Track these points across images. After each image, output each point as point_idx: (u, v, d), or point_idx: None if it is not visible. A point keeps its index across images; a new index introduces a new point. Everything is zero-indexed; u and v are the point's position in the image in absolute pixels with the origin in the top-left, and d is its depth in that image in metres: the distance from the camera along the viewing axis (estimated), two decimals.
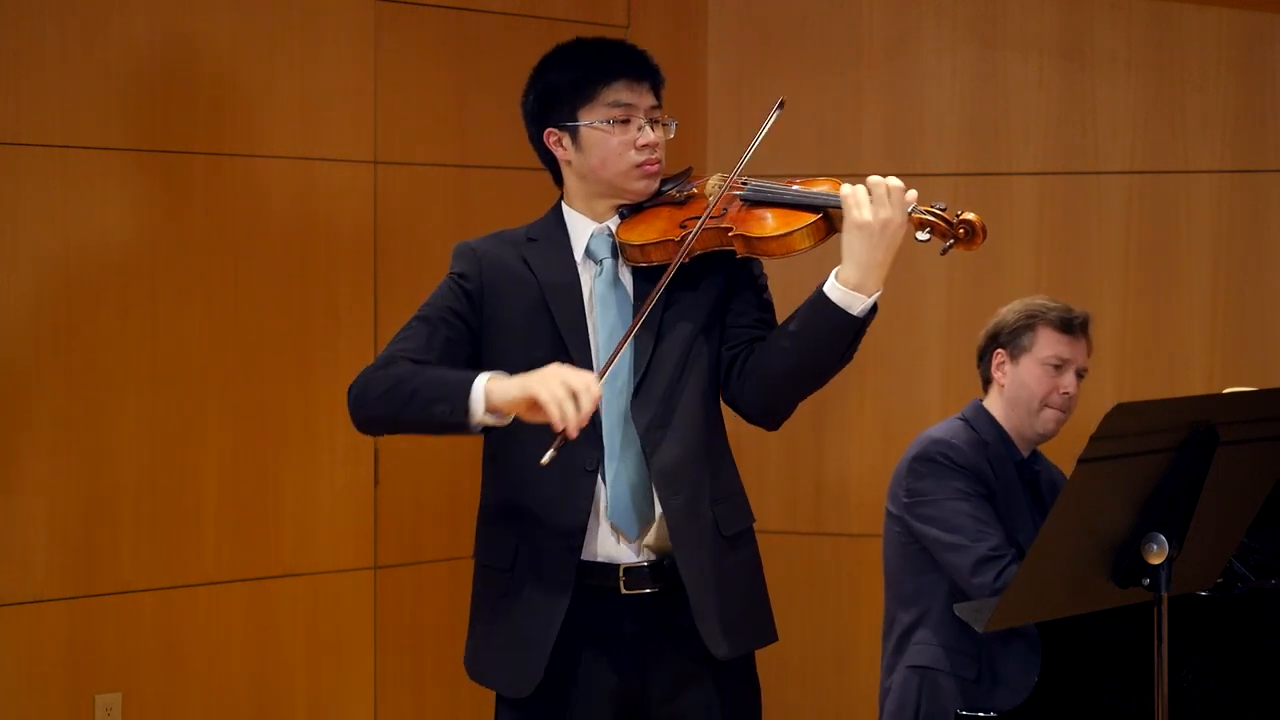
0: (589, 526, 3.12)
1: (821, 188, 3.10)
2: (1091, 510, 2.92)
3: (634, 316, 3.11)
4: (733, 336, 3.19)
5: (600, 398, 2.93)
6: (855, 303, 3.01)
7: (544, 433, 2.95)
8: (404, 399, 3.06)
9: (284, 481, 4.86)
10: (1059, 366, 4.05)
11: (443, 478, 5.08)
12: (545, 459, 2.92)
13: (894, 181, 2.99)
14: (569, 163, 3.23)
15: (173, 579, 4.70)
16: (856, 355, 3.10)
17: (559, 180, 3.29)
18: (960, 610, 3.54)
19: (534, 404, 2.93)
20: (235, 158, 4.79)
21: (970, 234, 3.02)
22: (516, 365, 3.05)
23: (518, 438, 3.12)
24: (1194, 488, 2.93)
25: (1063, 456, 3.81)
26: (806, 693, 5.51)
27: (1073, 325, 4.08)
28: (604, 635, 3.14)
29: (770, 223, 3.08)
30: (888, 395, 5.41)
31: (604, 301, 3.18)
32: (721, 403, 3.23)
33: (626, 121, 3.17)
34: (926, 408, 5.28)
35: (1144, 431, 2.88)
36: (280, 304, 4.86)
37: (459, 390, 3.00)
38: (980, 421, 4.05)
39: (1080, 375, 4.09)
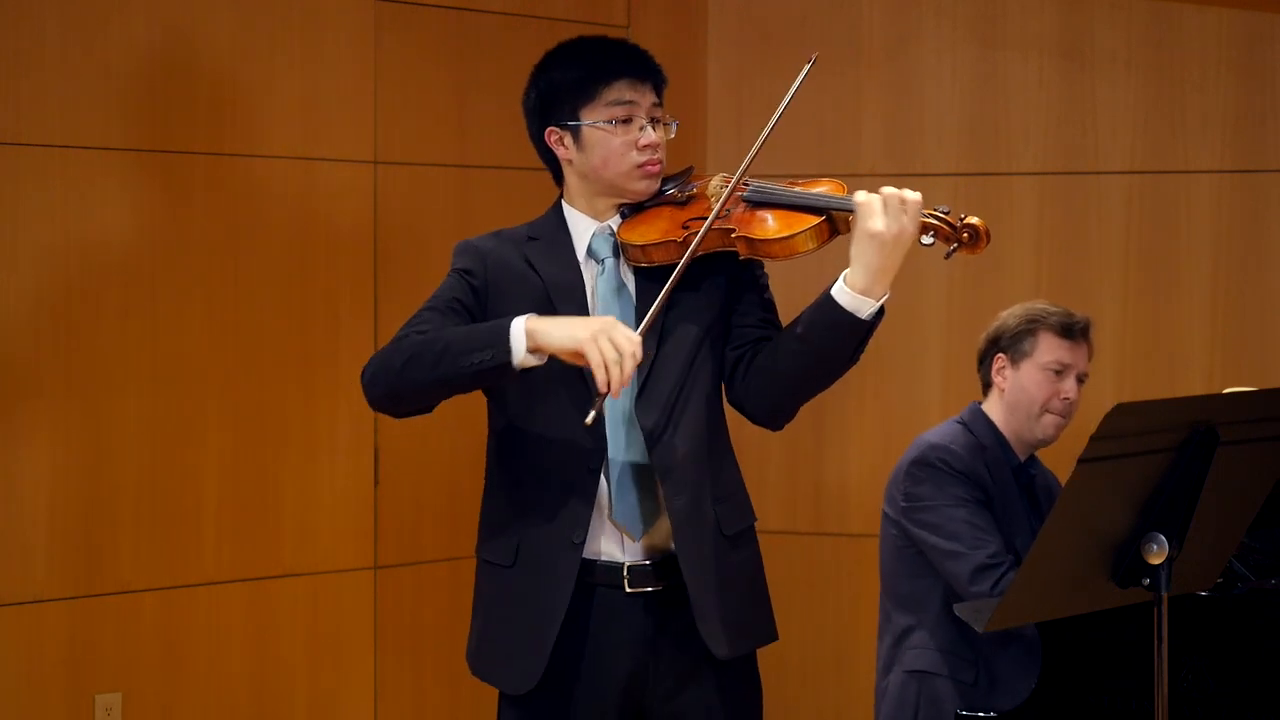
0: (591, 525, 3.12)
1: (822, 189, 3.10)
2: (1091, 510, 2.92)
3: (635, 316, 3.13)
4: (737, 338, 3.19)
5: (640, 360, 2.96)
6: (863, 306, 3.01)
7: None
8: (434, 358, 3.04)
9: (284, 481, 4.86)
10: (1060, 372, 4.04)
11: (443, 478, 5.08)
12: (589, 419, 2.96)
13: (910, 195, 2.99)
14: (570, 162, 3.22)
15: (173, 579, 4.70)
16: None
17: (559, 179, 3.29)
18: (960, 610, 3.54)
19: (579, 356, 2.95)
20: (235, 158, 4.79)
21: (974, 238, 3.02)
22: None
23: (521, 436, 3.14)
24: (1194, 488, 2.93)
25: (1063, 457, 3.81)
26: (806, 692, 5.52)
27: (1074, 330, 4.07)
28: (607, 633, 3.14)
29: (773, 225, 3.07)
30: (888, 395, 5.41)
31: (606, 301, 3.18)
32: (724, 403, 3.23)
33: (628, 121, 3.17)
34: (926, 407, 5.29)
35: (1144, 431, 2.88)
36: (280, 304, 4.86)
37: (496, 335, 3.01)
38: (978, 425, 4.05)
39: (1081, 380, 4.07)
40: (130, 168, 4.64)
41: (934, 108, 5.38)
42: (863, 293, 3.01)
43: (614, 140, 3.17)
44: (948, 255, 3.06)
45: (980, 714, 3.74)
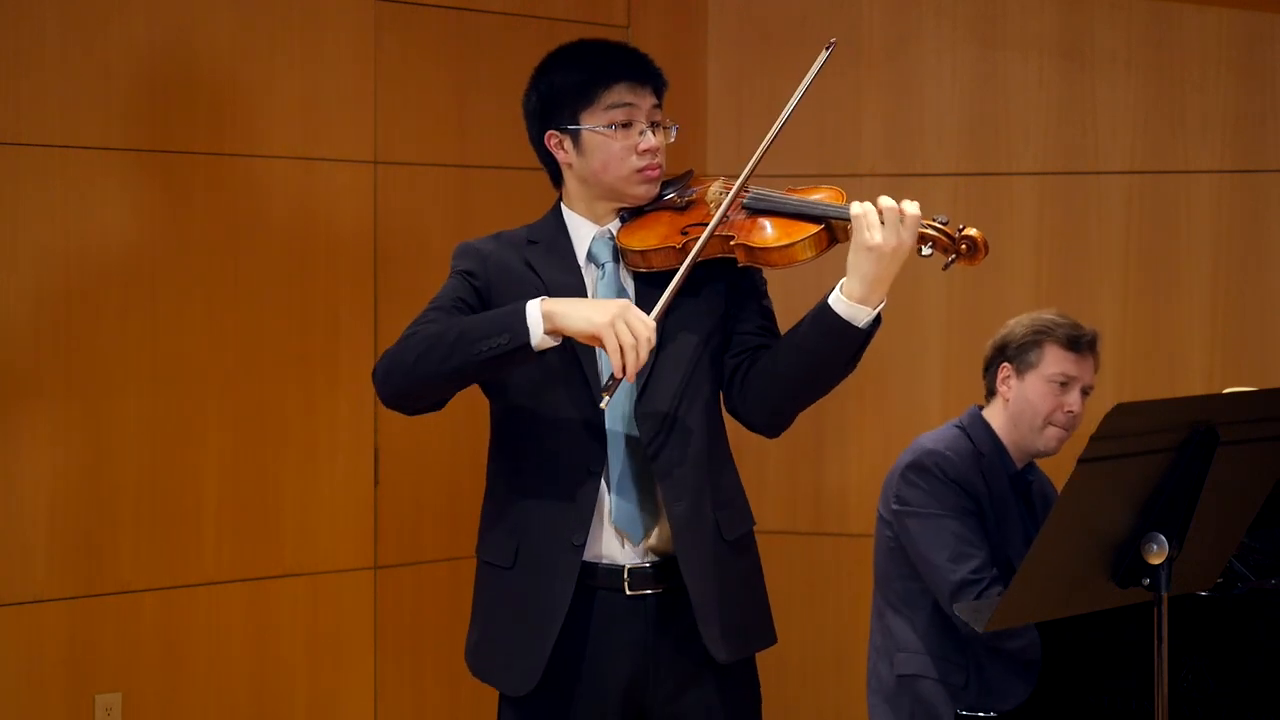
0: (592, 528, 3.12)
1: (820, 195, 3.10)
2: (1091, 510, 2.92)
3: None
4: (736, 345, 3.19)
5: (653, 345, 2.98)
6: (860, 315, 3.01)
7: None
8: (449, 347, 3.04)
9: (284, 481, 4.86)
10: (1065, 384, 4.02)
11: (443, 478, 5.08)
12: (603, 403, 3.00)
13: (909, 208, 2.98)
14: (569, 165, 3.22)
15: (173, 579, 4.70)
16: None
17: (557, 181, 3.28)
18: (960, 610, 3.54)
19: (596, 339, 2.97)
20: (235, 158, 4.79)
21: (972, 250, 3.01)
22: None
23: (522, 437, 3.15)
24: (1194, 488, 2.93)
25: (1062, 457, 3.81)
26: (806, 692, 5.52)
27: (1081, 343, 4.04)
28: (607, 636, 3.14)
29: (772, 232, 3.07)
30: (888, 395, 5.41)
31: None
32: (723, 408, 3.23)
33: (628, 125, 3.17)
34: (926, 408, 5.29)
35: (1144, 431, 2.88)
36: (280, 304, 4.86)
37: (513, 318, 3.01)
38: (977, 431, 4.03)
39: (1086, 393, 4.05)
40: (130, 168, 4.64)
41: (934, 108, 5.38)
42: (859, 302, 3.01)
43: (613, 145, 3.17)
44: (946, 266, 3.05)
45: (980, 714, 3.74)
